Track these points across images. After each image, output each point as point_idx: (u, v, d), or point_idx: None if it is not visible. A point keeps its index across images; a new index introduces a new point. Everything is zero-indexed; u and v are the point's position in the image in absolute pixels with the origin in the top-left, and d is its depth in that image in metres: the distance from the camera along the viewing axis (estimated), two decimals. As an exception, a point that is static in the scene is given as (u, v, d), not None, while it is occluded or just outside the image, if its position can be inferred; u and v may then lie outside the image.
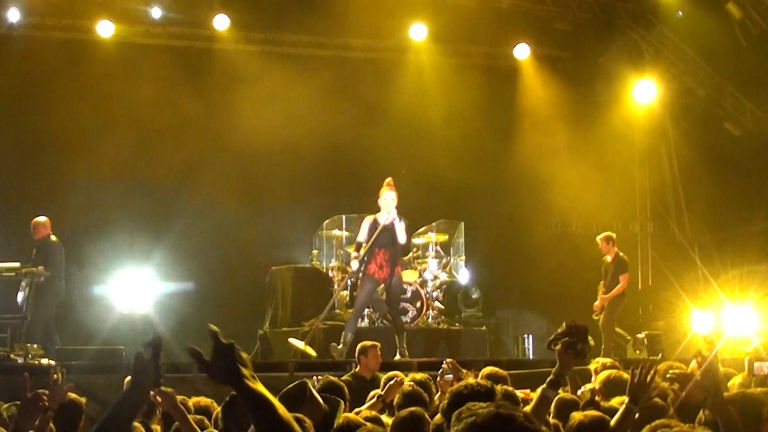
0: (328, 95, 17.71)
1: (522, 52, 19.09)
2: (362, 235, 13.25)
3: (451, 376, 7.90)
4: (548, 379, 5.58)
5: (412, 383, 7.11)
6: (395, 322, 13.48)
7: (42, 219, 13.93)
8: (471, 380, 5.50)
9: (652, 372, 5.36)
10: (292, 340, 13.37)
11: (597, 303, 15.01)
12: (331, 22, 17.74)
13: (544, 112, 18.69)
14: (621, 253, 15.13)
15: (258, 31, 18.34)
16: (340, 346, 12.94)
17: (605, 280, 15.02)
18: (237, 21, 17.79)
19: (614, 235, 15.31)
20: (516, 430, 2.79)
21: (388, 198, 13.13)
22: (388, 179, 13.30)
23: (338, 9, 17.26)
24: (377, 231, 13.00)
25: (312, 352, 13.12)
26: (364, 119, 18.08)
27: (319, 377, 7.67)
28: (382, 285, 13.34)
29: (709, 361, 5.37)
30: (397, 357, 13.00)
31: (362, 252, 13.03)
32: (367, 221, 13.29)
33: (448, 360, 8.26)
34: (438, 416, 5.15)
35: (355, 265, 13.22)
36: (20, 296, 13.23)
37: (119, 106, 17.32)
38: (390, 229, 13.07)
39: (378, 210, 13.16)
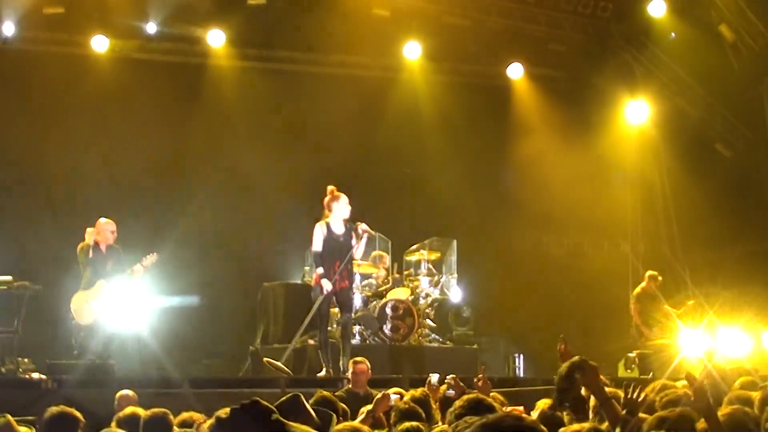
0: (322, 112, 17.77)
1: (515, 71, 19.17)
2: (318, 245, 12.84)
3: (452, 392, 7.87)
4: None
5: (407, 401, 7.11)
6: (343, 334, 13.16)
7: None
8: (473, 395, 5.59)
9: (639, 388, 5.65)
10: (267, 360, 13.28)
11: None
12: (326, 39, 17.80)
13: (536, 131, 18.74)
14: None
15: (253, 48, 18.39)
16: (323, 371, 12.92)
17: None
18: (232, 37, 17.83)
19: None
20: (526, 428, 2.81)
21: (344, 202, 12.90)
22: (332, 186, 13.07)
23: (334, 26, 17.31)
24: (360, 243, 12.91)
25: (287, 370, 13.08)
26: (358, 136, 18.14)
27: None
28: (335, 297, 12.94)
29: (699, 383, 5.44)
30: (323, 373, 12.86)
31: (340, 266, 12.71)
32: (321, 230, 12.82)
33: (451, 376, 8.22)
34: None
35: (327, 285, 12.69)
36: None
37: (113, 121, 17.33)
38: (347, 240, 12.88)
39: (324, 216, 12.95)
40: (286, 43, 18.41)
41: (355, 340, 14.36)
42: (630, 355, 16.17)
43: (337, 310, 13.63)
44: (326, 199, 13.03)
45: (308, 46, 18.36)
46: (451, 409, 5.50)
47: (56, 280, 13.88)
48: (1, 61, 17.04)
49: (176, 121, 17.62)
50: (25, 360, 12.93)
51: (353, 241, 12.91)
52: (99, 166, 16.92)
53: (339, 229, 12.93)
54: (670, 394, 6.31)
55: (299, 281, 16.52)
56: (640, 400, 5.64)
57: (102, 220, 13.75)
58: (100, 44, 17.33)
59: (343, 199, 12.95)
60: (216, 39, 17.80)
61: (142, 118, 17.22)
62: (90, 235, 13.52)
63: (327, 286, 12.73)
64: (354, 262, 13.59)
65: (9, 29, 16.93)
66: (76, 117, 16.99)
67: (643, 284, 16.36)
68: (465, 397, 5.57)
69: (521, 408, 7.43)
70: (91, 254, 13.38)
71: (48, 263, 14.62)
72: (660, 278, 16.32)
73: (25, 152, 16.90)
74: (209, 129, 17.90)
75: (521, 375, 16.62)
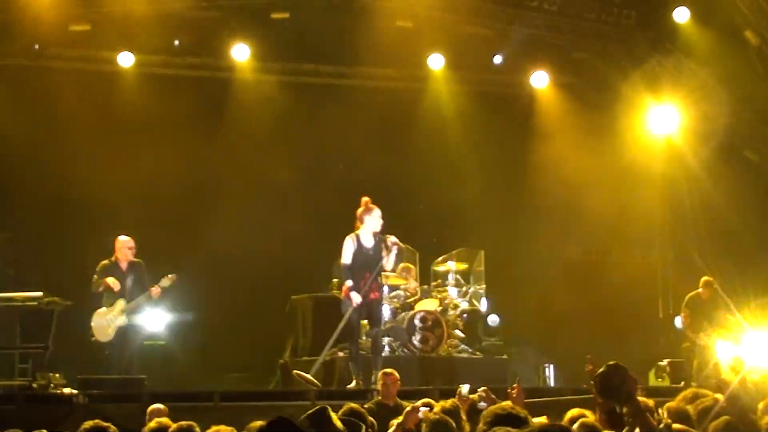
0: (347, 124, 17.79)
1: (540, 80, 19.14)
2: (347, 257, 12.91)
3: (484, 404, 7.85)
4: None
5: (438, 412, 7.10)
6: (374, 347, 13.22)
7: None
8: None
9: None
10: (297, 372, 13.30)
11: None
12: (350, 52, 17.82)
13: (562, 139, 18.65)
14: None
15: (278, 61, 18.44)
16: (353, 383, 12.92)
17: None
18: (257, 51, 17.87)
19: None
20: None
21: (377, 216, 12.96)
22: (367, 198, 13.12)
23: (357, 39, 17.31)
24: (390, 254, 12.91)
25: (316, 383, 13.08)
26: (384, 148, 18.13)
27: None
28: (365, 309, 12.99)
29: (733, 388, 5.41)
30: (353, 385, 12.87)
31: (370, 279, 12.78)
32: (351, 243, 12.91)
33: (482, 388, 8.20)
34: None
35: (357, 298, 12.76)
36: None
37: (140, 136, 17.38)
38: (377, 252, 12.90)
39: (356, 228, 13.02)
40: (310, 56, 18.46)
41: (385, 352, 14.35)
42: (661, 363, 16.07)
43: (366, 322, 13.66)
44: (359, 211, 13.07)
45: (332, 59, 18.40)
46: (484, 413, 5.48)
47: (86, 295, 13.94)
48: (28, 78, 17.15)
49: (203, 135, 17.67)
50: (57, 375, 12.99)
51: (383, 254, 12.93)
52: (127, 182, 16.97)
53: (369, 242, 12.95)
54: (706, 402, 6.25)
55: (327, 294, 16.52)
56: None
57: (121, 237, 13.90)
58: (126, 60, 17.44)
59: (376, 212, 12.98)
60: (241, 53, 17.85)
61: (169, 133, 17.25)
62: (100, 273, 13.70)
63: (356, 299, 12.76)
64: (383, 273, 13.61)
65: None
66: (103, 133, 17.04)
67: (699, 290, 16.12)
68: (496, 406, 5.55)
69: (544, 418, 7.41)
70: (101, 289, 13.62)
71: (78, 279, 14.66)
72: (716, 285, 16.07)
73: (51, 169, 16.99)
74: (235, 143, 17.93)
75: (551, 384, 16.57)
